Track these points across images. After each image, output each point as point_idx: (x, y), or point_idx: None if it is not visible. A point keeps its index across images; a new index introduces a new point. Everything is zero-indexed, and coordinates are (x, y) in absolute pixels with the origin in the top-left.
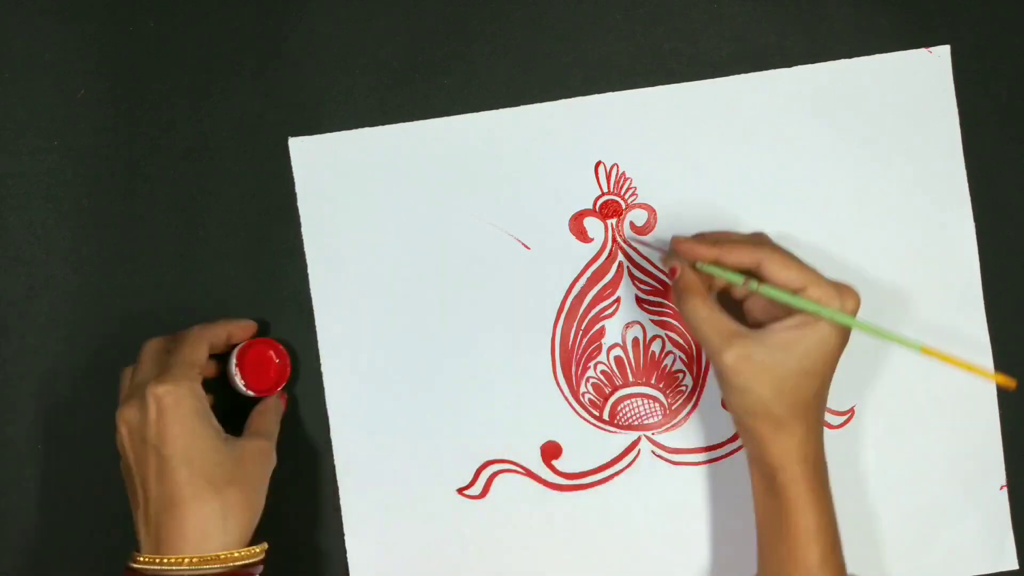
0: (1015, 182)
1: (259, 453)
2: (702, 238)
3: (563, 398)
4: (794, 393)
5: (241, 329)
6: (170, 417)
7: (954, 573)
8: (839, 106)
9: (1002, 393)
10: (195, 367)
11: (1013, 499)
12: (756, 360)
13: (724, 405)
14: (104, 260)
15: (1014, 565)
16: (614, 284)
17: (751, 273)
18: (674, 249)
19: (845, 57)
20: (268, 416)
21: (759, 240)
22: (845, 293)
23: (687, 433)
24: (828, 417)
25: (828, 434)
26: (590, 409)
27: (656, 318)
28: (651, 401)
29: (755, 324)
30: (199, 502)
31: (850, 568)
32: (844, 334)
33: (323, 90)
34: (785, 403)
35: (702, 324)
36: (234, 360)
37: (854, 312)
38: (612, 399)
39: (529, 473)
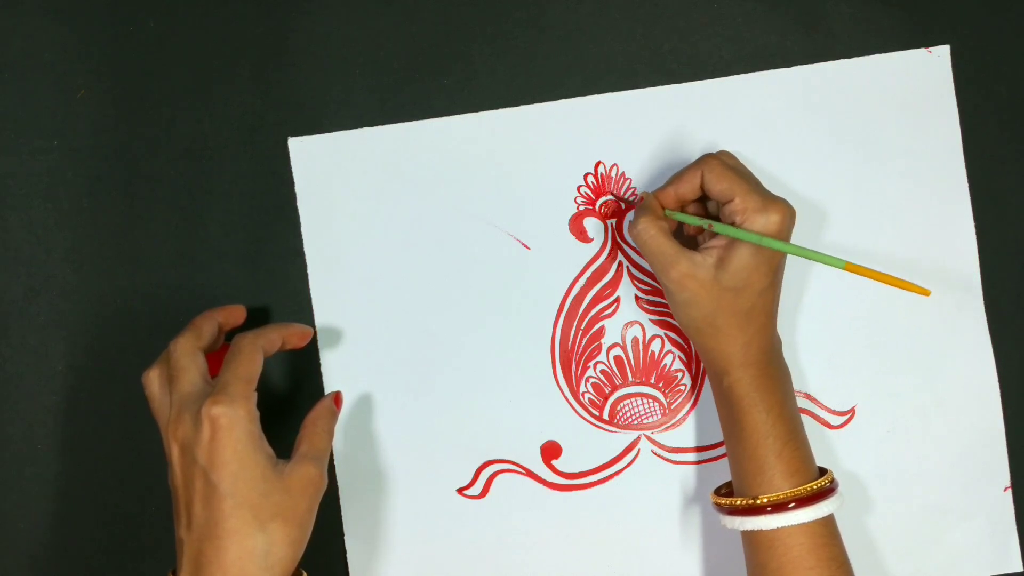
0: (1015, 182)
1: (308, 483)
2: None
3: (563, 398)
4: (732, 305)
5: (297, 336)
6: (223, 440)
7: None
8: (839, 106)
9: (1006, 393)
10: (251, 383)
11: (1018, 501)
12: (698, 277)
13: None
14: (104, 260)
15: (1018, 567)
16: (614, 284)
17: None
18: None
19: (845, 57)
20: (320, 426)
21: (706, 156)
22: (771, 206)
23: (686, 432)
24: (828, 417)
25: (828, 434)
26: (590, 409)
27: (656, 318)
28: (651, 401)
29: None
30: (241, 536)
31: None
32: (765, 250)
33: (323, 90)
34: (724, 314)
35: (650, 241)
36: None
37: (780, 224)
38: (612, 399)
39: (529, 473)
